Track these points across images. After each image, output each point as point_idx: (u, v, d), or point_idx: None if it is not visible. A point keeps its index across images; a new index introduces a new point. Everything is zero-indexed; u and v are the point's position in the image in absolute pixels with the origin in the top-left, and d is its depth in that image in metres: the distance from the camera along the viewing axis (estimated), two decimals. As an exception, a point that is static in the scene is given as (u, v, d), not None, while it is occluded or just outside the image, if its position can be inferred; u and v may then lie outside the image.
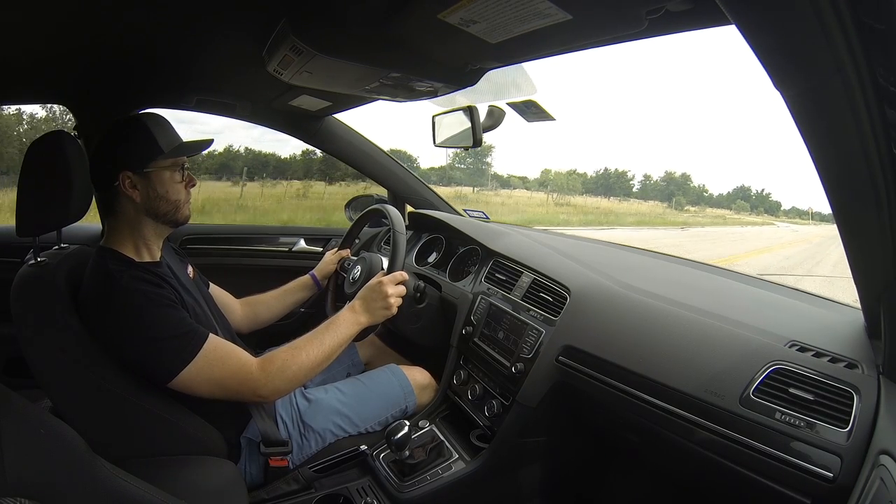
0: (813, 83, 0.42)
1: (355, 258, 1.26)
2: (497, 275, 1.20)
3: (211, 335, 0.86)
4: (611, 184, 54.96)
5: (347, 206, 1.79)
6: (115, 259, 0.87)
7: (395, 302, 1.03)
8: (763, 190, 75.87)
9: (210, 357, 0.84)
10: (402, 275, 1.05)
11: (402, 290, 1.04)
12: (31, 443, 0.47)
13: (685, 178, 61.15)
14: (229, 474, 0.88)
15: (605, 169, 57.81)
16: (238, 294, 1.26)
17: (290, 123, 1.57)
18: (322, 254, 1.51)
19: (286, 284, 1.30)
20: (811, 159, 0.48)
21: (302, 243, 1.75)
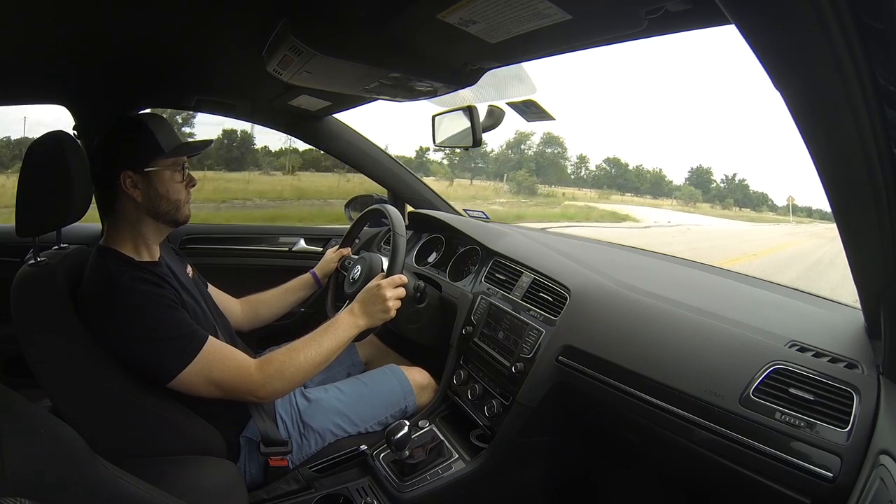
0: (812, 83, 0.42)
1: (356, 257, 1.26)
2: (497, 275, 1.20)
3: (210, 337, 0.86)
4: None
5: (348, 205, 1.79)
6: (115, 259, 0.87)
7: (394, 305, 1.02)
8: (735, 175, 58.18)
9: (209, 358, 0.84)
10: (401, 278, 1.05)
11: (401, 292, 1.04)
12: (31, 443, 0.47)
13: (555, 140, 41.84)
14: (229, 474, 0.88)
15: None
16: (238, 294, 1.26)
17: (289, 123, 1.57)
18: (322, 254, 1.51)
19: (287, 283, 1.30)
20: (811, 159, 0.48)
21: (302, 243, 1.75)
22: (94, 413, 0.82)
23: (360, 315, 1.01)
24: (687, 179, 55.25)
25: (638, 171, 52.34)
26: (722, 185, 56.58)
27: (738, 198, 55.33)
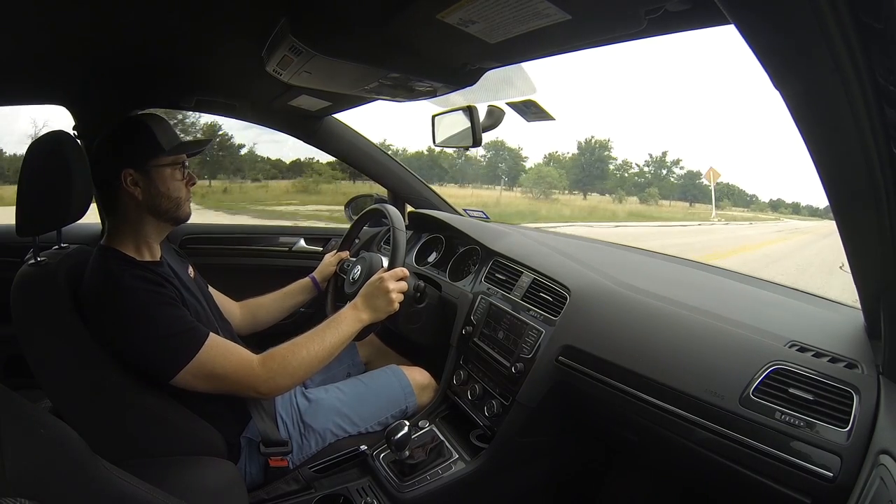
0: (812, 83, 0.42)
1: (354, 259, 1.27)
2: (497, 275, 1.20)
3: (211, 333, 0.86)
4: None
5: (347, 205, 1.79)
6: (117, 258, 0.87)
7: (397, 297, 1.02)
8: (665, 154, 40.50)
9: (211, 354, 0.84)
10: (402, 271, 1.05)
11: (403, 285, 1.04)
12: (31, 443, 0.47)
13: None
14: (229, 474, 0.88)
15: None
16: (238, 293, 1.26)
17: (289, 123, 1.57)
18: (322, 254, 1.51)
19: (286, 287, 1.30)
20: (811, 159, 0.48)
21: (302, 243, 1.76)
22: (94, 413, 0.82)
23: (364, 309, 1.01)
24: (619, 166, 38.87)
25: (552, 156, 38.66)
26: (647, 168, 39.24)
27: (684, 186, 38.08)
